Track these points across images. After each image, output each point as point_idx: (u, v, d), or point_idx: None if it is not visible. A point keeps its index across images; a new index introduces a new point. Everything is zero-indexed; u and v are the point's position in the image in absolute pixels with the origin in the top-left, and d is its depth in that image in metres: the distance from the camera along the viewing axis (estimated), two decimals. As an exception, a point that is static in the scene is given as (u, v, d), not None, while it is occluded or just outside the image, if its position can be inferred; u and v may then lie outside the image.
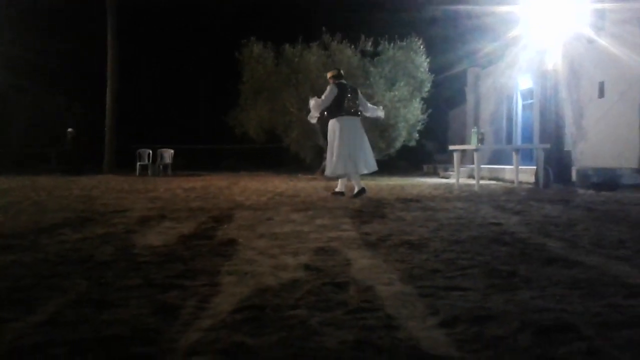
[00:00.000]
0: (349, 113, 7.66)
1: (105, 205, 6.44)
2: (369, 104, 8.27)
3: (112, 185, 10.49)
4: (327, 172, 7.81)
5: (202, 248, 3.51)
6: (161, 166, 17.48)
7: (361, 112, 7.93)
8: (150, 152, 17.36)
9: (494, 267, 2.88)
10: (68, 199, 7.32)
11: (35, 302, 2.27)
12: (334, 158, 7.58)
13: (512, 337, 1.81)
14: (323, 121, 8.19)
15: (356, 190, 7.63)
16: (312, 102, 7.82)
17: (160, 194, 8.33)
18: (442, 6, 16.59)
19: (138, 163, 17.02)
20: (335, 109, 7.64)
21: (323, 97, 7.71)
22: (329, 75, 8.02)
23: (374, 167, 7.90)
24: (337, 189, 7.90)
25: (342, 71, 8.20)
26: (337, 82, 7.79)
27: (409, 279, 2.62)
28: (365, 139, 7.83)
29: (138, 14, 21.64)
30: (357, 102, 7.81)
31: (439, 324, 1.94)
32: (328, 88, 7.77)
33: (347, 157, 7.56)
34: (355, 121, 7.74)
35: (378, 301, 2.22)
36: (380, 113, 8.47)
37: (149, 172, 16.91)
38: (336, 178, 8.04)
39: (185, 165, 19.39)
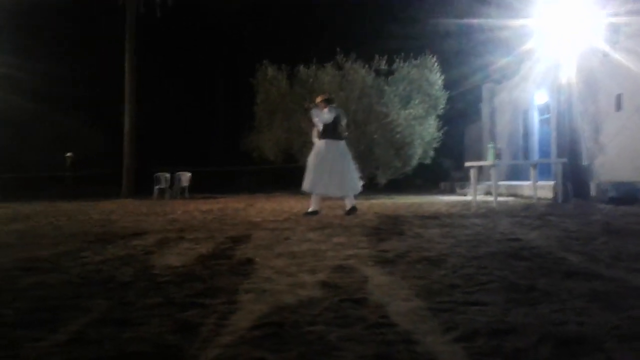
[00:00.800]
0: (338, 137, 7.98)
1: (124, 228, 6.52)
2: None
3: (131, 209, 10.61)
4: (310, 189, 7.94)
5: (221, 267, 3.54)
6: (179, 189, 17.64)
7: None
8: (168, 175, 17.53)
9: (513, 282, 2.86)
10: (88, 222, 7.43)
11: (59, 322, 2.31)
12: (318, 176, 7.80)
13: (532, 349, 1.81)
14: (298, 140, 8.38)
15: (348, 207, 7.94)
16: (315, 117, 8.01)
17: (178, 216, 8.41)
18: (456, 20, 16.67)
19: (155, 187, 17.18)
20: (328, 132, 7.91)
21: (323, 118, 7.94)
22: (319, 99, 8.26)
23: (358, 189, 8.20)
24: (310, 209, 8.02)
25: (332, 96, 8.56)
26: (328, 106, 8.06)
27: (427, 294, 2.62)
28: (352, 161, 8.12)
29: (155, 39, 22.05)
30: (344, 126, 8.16)
31: (458, 338, 1.94)
32: (325, 111, 7.98)
33: (331, 178, 7.81)
34: (342, 144, 8.04)
35: (396, 317, 2.22)
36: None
37: (167, 195, 17.05)
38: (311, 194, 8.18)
39: (202, 188, 19.53)
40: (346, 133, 8.26)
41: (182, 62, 26.57)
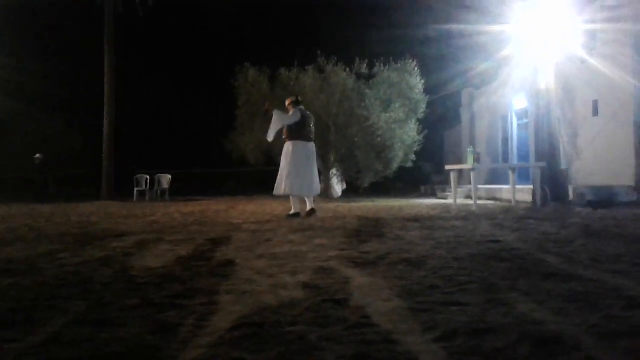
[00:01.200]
0: (306, 139, 8.05)
1: (103, 230, 6.44)
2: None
3: (111, 211, 10.49)
4: (276, 191, 8.07)
5: (201, 269, 3.51)
6: (159, 191, 17.48)
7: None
8: (148, 177, 17.37)
9: (492, 283, 2.89)
10: (66, 225, 7.32)
11: (35, 323, 2.27)
12: (287, 177, 7.88)
13: (511, 348, 1.82)
14: (280, 142, 8.46)
15: (308, 208, 8.06)
16: (274, 117, 8.02)
17: (158, 218, 8.33)
18: (436, 26, 16.79)
19: (136, 189, 17.01)
20: (296, 133, 7.98)
21: (286, 117, 8.02)
22: (287, 101, 8.30)
23: (318, 191, 8.39)
24: (291, 212, 8.14)
25: (300, 98, 8.51)
26: (298, 107, 8.12)
27: (407, 295, 2.63)
28: (315, 164, 8.28)
29: (136, 40, 21.88)
30: (312, 127, 8.22)
31: (438, 337, 1.95)
32: (292, 111, 8.06)
33: (301, 179, 7.91)
34: (311, 146, 8.14)
35: (377, 317, 2.22)
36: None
37: (147, 197, 16.89)
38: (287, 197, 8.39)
39: (182, 190, 19.39)
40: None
41: (163, 63, 26.44)
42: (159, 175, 17.68)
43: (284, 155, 8.04)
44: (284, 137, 8.12)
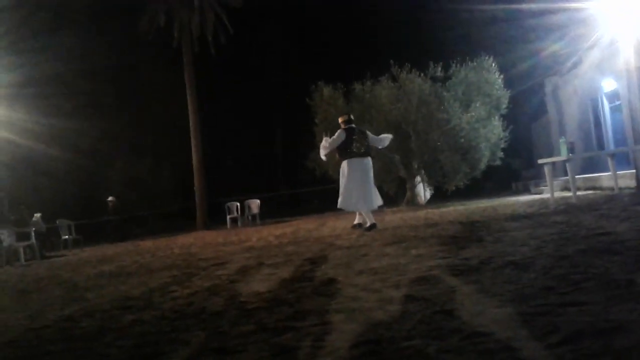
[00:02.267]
0: (357, 155, 8.29)
1: (205, 259, 6.71)
2: (376, 137, 8.92)
3: (208, 241, 10.92)
4: (340, 205, 8.49)
5: (305, 289, 3.58)
6: (249, 217, 18.00)
7: (371, 151, 8.58)
8: (238, 204, 17.95)
9: (610, 278, 2.74)
10: (170, 257, 7.70)
11: (162, 355, 2.41)
12: (344, 194, 8.31)
13: (645, 347, 1.72)
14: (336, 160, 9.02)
15: (368, 224, 8.14)
16: (323, 142, 8.60)
17: (254, 243, 8.57)
18: (509, 5, 16.15)
19: (228, 216, 17.61)
20: (344, 151, 8.34)
21: (331, 140, 8.43)
22: (340, 120, 8.63)
23: (379, 203, 8.58)
24: (355, 222, 8.61)
25: (351, 116, 8.75)
26: (346, 127, 8.40)
27: (520, 299, 2.54)
28: (372, 177, 8.45)
29: (209, 74, 22.76)
30: (365, 142, 8.41)
31: (561, 340, 1.88)
32: (337, 133, 8.41)
33: (356, 194, 8.23)
34: (365, 161, 8.36)
35: (492, 325, 2.17)
36: (386, 141, 9.08)
37: (239, 223, 17.43)
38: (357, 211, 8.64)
39: (271, 213, 19.85)
40: (373, 145, 8.77)
41: (237, 93, 27.27)
42: (248, 201, 18.22)
43: (340, 175, 8.48)
44: (337, 156, 8.53)
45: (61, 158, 20.92)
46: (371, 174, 8.45)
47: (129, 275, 6.00)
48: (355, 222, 8.55)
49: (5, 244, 10.87)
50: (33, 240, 11.41)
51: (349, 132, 8.35)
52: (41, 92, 19.29)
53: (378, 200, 8.57)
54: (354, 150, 8.29)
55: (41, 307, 4.33)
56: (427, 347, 1.96)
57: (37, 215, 13.56)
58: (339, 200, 8.44)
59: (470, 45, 16.21)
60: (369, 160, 8.42)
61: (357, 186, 8.23)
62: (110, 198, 18.56)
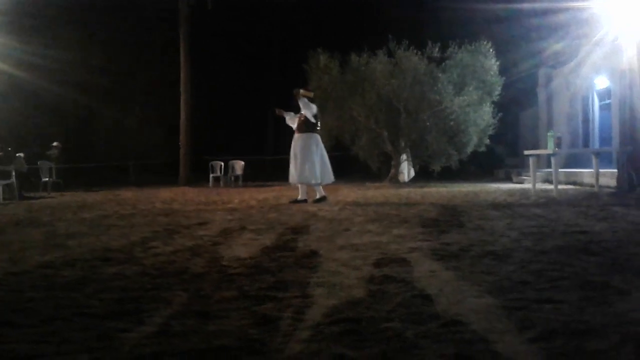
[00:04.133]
0: (317, 130, 8.74)
1: (187, 217, 6.73)
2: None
3: (190, 197, 10.91)
4: (302, 180, 8.65)
5: (287, 259, 3.63)
6: (232, 177, 17.96)
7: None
8: (222, 164, 17.88)
9: (585, 279, 2.82)
10: (152, 212, 7.68)
11: (143, 313, 2.44)
12: (309, 167, 8.51)
13: (615, 351, 1.80)
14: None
15: (318, 196, 8.64)
16: (310, 110, 8.54)
17: (236, 205, 8.59)
18: (510, 5, 16.16)
19: (211, 175, 17.56)
20: (314, 125, 8.64)
21: (314, 109, 8.60)
22: (305, 92, 8.75)
23: (308, 180, 8.68)
24: (318, 196, 8.69)
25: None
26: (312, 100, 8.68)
27: (498, 291, 2.62)
28: (312, 153, 8.63)
29: (207, 28, 22.31)
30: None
31: (536, 337, 1.95)
32: (313, 104, 8.61)
33: (319, 167, 8.59)
34: (319, 137, 8.76)
35: (470, 315, 2.24)
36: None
37: (221, 183, 17.40)
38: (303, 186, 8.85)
39: (255, 176, 19.84)
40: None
41: (234, 51, 26.84)
42: (232, 161, 18.15)
43: (305, 146, 8.57)
44: (303, 127, 8.62)
45: (52, 92, 20.31)
46: (312, 149, 8.57)
47: (109, 226, 6.00)
48: (319, 196, 8.71)
49: (-17, 180, 10.75)
50: (13, 179, 11.28)
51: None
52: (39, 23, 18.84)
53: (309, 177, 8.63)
54: (320, 125, 8.82)
55: (21, 250, 4.32)
56: (406, 331, 2.02)
57: (21, 154, 13.37)
58: (300, 175, 8.58)
59: (470, 28, 16.10)
60: (304, 137, 8.60)
61: (322, 161, 8.64)
62: (55, 143, 16.86)
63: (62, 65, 19.86)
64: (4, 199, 10.62)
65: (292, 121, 8.83)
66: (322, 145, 8.81)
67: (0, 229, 5.98)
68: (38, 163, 14.64)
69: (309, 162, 8.51)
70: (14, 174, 11.39)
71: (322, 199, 8.61)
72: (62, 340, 2.08)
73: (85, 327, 2.24)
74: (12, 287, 3.03)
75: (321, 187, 8.76)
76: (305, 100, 8.55)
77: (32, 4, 18.28)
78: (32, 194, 12.89)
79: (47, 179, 14.41)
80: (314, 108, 8.63)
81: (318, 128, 8.82)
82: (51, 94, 20.44)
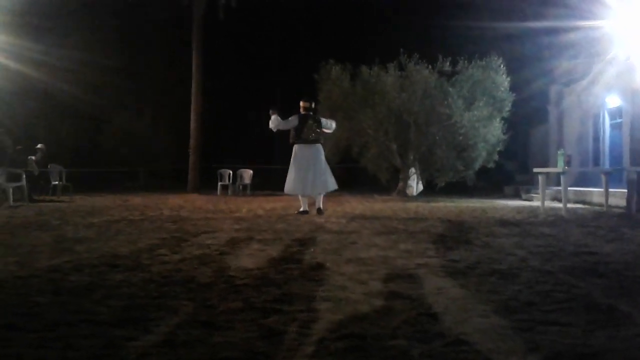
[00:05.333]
0: (307, 141, 8.77)
1: (195, 225, 6.75)
2: (327, 121, 9.28)
3: (198, 205, 10.95)
4: (285, 190, 8.99)
5: (293, 272, 3.63)
6: (241, 186, 18.01)
7: (322, 138, 9.07)
8: (231, 172, 17.93)
9: (592, 301, 2.81)
10: (160, 219, 7.72)
11: (149, 321, 2.45)
12: (289, 179, 8.80)
13: (620, 377, 1.79)
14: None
15: (301, 208, 8.77)
16: (273, 118, 8.94)
17: (244, 214, 8.62)
18: (522, 23, 16.19)
19: (219, 183, 17.61)
20: (295, 136, 8.80)
21: (283, 121, 8.90)
22: (302, 104, 8.96)
23: (333, 187, 9.01)
24: (301, 209, 8.80)
25: (313, 105, 9.23)
26: (304, 112, 8.86)
27: (504, 311, 2.61)
28: (324, 162, 8.94)
29: (218, 38, 22.47)
30: (318, 130, 8.88)
31: (541, 360, 1.94)
32: (292, 116, 8.90)
33: (304, 179, 8.69)
34: (313, 148, 8.81)
35: (475, 334, 2.23)
36: (333, 124, 9.46)
37: (229, 191, 17.44)
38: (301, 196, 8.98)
39: (263, 185, 19.86)
40: (324, 131, 9.17)
41: (245, 60, 27.03)
42: (241, 170, 18.20)
43: (292, 157, 8.86)
44: (291, 140, 8.87)
45: (66, 92, 20.40)
46: (320, 159, 8.83)
47: (118, 231, 6.03)
48: (302, 209, 8.81)
49: (-6, 182, 10.84)
50: (24, 182, 11.37)
51: (303, 118, 8.79)
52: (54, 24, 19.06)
53: (330, 185, 8.94)
54: (303, 136, 8.75)
55: (29, 253, 4.35)
56: (411, 350, 2.02)
57: (33, 157, 13.47)
58: (285, 185, 8.89)
59: (481, 44, 16.12)
60: (318, 147, 8.84)
61: (302, 172, 8.70)
62: (39, 145, 15.09)
63: (76, 66, 20.05)
64: (14, 201, 10.70)
65: (277, 125, 8.96)
66: None
67: (10, 231, 6.03)
68: (49, 166, 14.75)
69: (328, 171, 8.92)
70: (24, 176, 11.49)
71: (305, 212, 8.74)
72: (66, 346, 2.09)
73: (91, 333, 2.25)
74: (18, 290, 3.06)
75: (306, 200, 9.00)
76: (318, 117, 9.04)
77: (47, 5, 18.50)
78: (41, 197, 12.99)
79: (56, 182, 14.51)
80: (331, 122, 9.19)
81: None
82: (64, 95, 20.59)
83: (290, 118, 8.90)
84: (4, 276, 3.44)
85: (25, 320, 2.43)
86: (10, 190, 10.76)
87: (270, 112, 9.13)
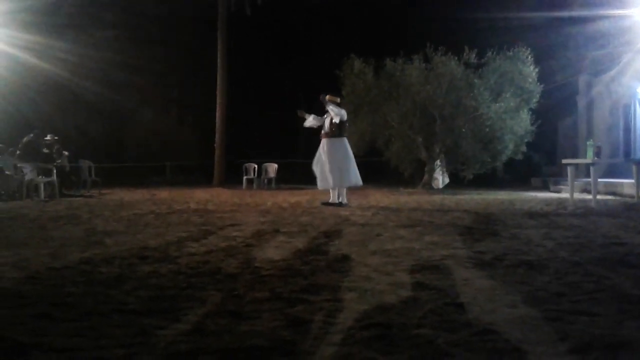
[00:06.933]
0: (324, 135, 9.00)
1: (221, 218, 6.82)
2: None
3: (224, 199, 11.04)
4: (342, 183, 8.96)
5: (319, 263, 3.65)
6: (266, 180, 18.09)
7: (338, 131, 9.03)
8: (256, 166, 18.03)
9: (622, 292, 2.76)
10: (187, 212, 7.82)
11: (178, 311, 2.50)
12: (345, 171, 8.87)
13: (652, 367, 1.76)
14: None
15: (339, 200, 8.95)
16: (309, 117, 9.25)
17: (269, 208, 8.67)
18: (551, 12, 15.90)
19: (244, 177, 17.72)
20: (344, 129, 9.01)
21: (343, 112, 8.91)
22: (332, 97, 9.05)
23: (328, 185, 9.08)
24: (337, 200, 8.99)
25: (338, 99, 9.31)
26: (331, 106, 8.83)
27: (532, 301, 2.58)
28: (334, 157, 8.93)
29: (242, 32, 22.59)
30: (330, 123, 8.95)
31: (571, 349, 1.92)
32: (342, 110, 8.93)
33: (350, 171, 8.96)
34: (330, 142, 8.93)
35: (503, 324, 2.22)
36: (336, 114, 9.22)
37: (254, 185, 17.54)
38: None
39: (288, 179, 19.93)
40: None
41: (268, 54, 27.08)
42: (265, 164, 18.28)
43: (339, 151, 8.91)
44: (333, 131, 8.89)
45: (91, 90, 20.77)
46: (330, 154, 8.83)
47: (146, 225, 6.13)
48: (342, 200, 8.98)
49: (27, 177, 11.09)
50: (55, 177, 11.61)
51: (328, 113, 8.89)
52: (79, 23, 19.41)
53: (329, 183, 8.95)
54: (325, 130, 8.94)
55: (61, 246, 4.46)
56: (437, 339, 2.02)
57: (66, 153, 13.74)
58: (338, 179, 8.86)
59: (509, 34, 15.87)
60: (329, 141, 8.89)
61: (350, 165, 8.92)
62: (48, 137, 13.57)
63: (101, 65, 20.37)
64: (44, 196, 10.94)
65: (313, 124, 9.20)
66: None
67: (42, 225, 6.17)
68: (79, 161, 15.02)
69: (352, 165, 9.02)
70: (55, 171, 11.73)
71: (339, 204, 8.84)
72: (99, 335, 2.15)
73: (122, 323, 2.30)
74: (52, 281, 3.14)
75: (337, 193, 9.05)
76: (333, 105, 8.85)
77: (72, 4, 18.81)
78: (71, 192, 13.25)
79: (86, 177, 14.78)
80: (344, 113, 8.96)
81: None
82: (90, 93, 20.95)
83: (343, 111, 8.95)
84: (38, 268, 3.53)
85: (60, 310, 2.50)
86: (42, 186, 11.01)
87: (299, 113, 9.28)
